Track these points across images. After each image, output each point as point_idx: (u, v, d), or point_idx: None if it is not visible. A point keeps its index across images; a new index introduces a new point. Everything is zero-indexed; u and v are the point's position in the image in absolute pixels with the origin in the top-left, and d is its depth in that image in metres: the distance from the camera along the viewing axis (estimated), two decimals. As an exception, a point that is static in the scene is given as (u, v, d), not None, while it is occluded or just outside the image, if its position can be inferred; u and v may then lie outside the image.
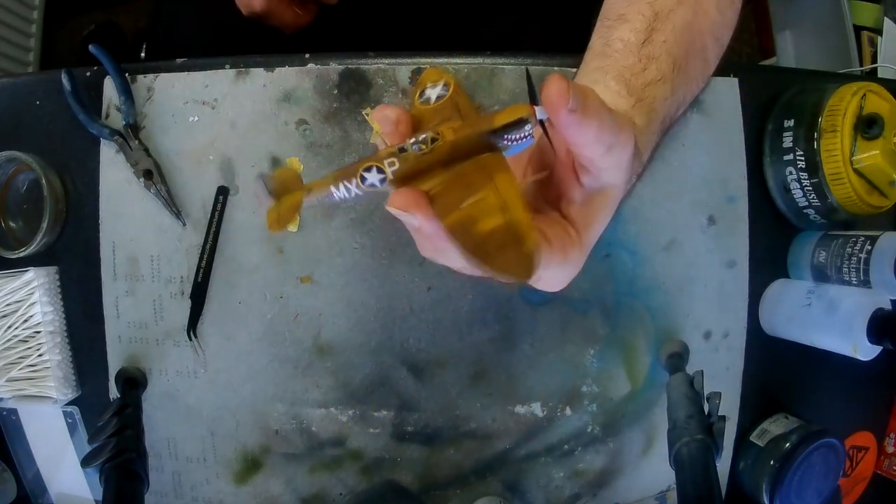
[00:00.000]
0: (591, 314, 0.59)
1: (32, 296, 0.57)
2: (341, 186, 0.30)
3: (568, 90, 0.26)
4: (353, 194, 0.30)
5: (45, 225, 0.56)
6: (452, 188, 0.28)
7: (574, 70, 0.44)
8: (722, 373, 0.61)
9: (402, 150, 0.28)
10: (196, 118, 0.57)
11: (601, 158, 0.31)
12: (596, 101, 0.28)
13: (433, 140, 0.28)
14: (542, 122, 0.28)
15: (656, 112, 0.38)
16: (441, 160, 0.28)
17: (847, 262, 0.56)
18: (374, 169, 0.29)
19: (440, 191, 0.29)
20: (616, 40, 0.39)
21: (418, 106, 0.32)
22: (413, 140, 0.28)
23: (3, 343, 0.57)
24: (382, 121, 0.30)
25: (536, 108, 0.28)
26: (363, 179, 0.29)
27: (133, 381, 0.58)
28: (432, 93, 0.32)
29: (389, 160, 0.29)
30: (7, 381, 0.58)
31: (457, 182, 0.28)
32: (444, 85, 0.32)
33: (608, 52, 0.39)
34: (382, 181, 0.29)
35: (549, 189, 0.34)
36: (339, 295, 0.58)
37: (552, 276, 0.33)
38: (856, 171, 0.54)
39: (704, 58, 0.42)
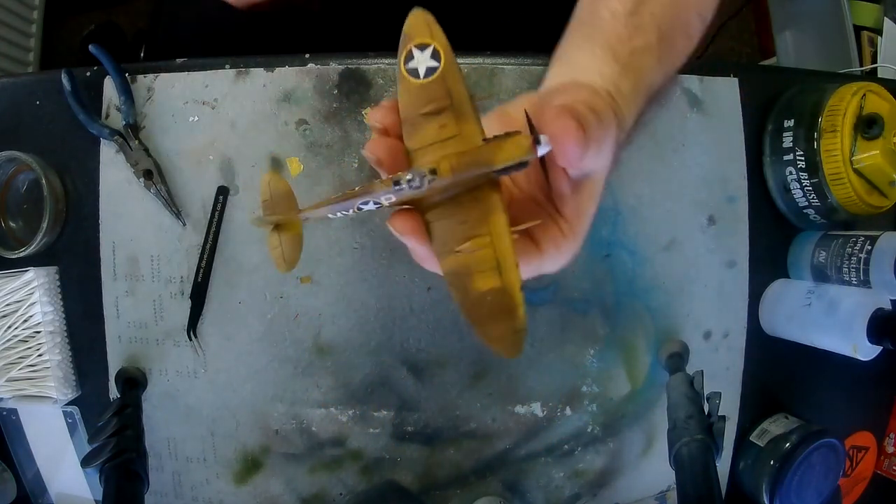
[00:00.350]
0: (591, 314, 0.59)
1: (32, 296, 0.57)
2: (338, 213, 0.30)
3: (586, 144, 0.28)
4: (350, 215, 0.31)
5: (45, 225, 0.56)
6: (449, 218, 0.29)
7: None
8: (722, 373, 0.61)
9: (397, 183, 0.28)
10: (196, 118, 0.57)
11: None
12: (594, 128, 0.30)
13: (431, 172, 0.28)
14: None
15: (643, 80, 0.39)
16: (438, 192, 0.29)
17: (847, 262, 0.56)
18: (371, 202, 0.29)
19: (437, 216, 0.29)
20: (603, 10, 0.40)
21: (405, 76, 0.30)
22: (410, 177, 0.28)
23: (3, 343, 0.57)
24: (371, 126, 0.31)
25: (539, 147, 0.28)
26: (359, 209, 0.30)
27: (133, 381, 0.58)
28: (421, 62, 0.29)
29: (386, 195, 0.28)
30: (7, 381, 0.58)
31: (453, 213, 0.29)
32: (434, 52, 0.29)
33: (595, 22, 0.40)
34: (379, 208, 0.30)
35: (544, 185, 0.35)
36: (339, 295, 0.58)
37: (548, 266, 0.35)
38: (856, 171, 0.54)
39: (689, 34, 0.43)
